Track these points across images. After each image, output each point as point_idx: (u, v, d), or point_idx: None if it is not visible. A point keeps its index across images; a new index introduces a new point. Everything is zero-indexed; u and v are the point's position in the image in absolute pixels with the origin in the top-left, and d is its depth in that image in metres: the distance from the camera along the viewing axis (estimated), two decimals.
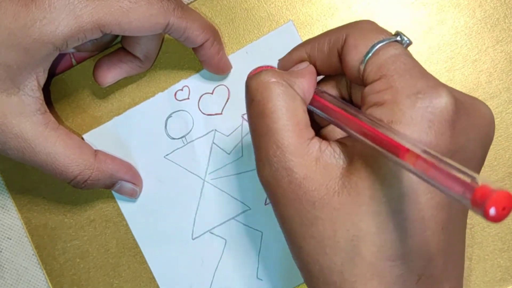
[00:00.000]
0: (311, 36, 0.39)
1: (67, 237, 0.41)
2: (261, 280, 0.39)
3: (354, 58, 0.28)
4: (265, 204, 0.40)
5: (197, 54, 0.38)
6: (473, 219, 0.39)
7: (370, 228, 0.26)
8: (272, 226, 0.39)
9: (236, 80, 0.40)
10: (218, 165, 0.40)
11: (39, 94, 0.35)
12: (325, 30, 0.39)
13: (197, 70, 0.40)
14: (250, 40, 0.40)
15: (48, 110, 0.36)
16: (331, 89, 0.31)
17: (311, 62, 0.30)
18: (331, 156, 0.27)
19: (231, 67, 0.40)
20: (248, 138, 0.40)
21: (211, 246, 0.40)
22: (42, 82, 0.35)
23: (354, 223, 0.26)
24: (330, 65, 0.30)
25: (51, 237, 0.41)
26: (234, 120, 0.40)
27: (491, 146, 0.31)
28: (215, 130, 0.40)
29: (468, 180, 0.19)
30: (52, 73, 0.41)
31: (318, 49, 0.30)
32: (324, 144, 0.27)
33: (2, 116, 0.34)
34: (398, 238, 0.26)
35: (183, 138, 0.40)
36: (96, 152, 0.38)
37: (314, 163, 0.27)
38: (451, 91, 0.26)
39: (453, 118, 0.25)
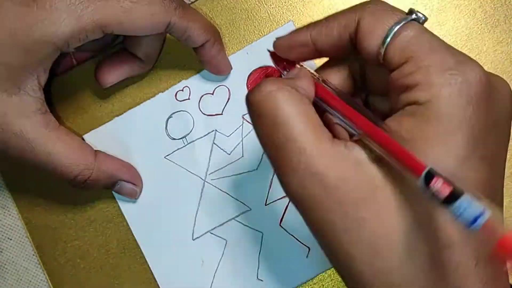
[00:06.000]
0: None
1: (67, 237, 0.41)
2: (262, 280, 0.39)
3: (372, 43, 0.26)
4: (266, 205, 0.40)
5: (198, 54, 0.38)
6: None
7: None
8: (272, 227, 0.39)
9: (237, 81, 0.40)
10: (218, 166, 0.40)
11: (40, 94, 0.35)
12: None
13: (197, 70, 0.40)
14: (250, 40, 0.40)
15: (48, 110, 0.36)
16: (333, 74, 0.30)
17: (314, 46, 0.29)
18: (361, 152, 0.25)
19: (232, 68, 0.40)
20: (249, 138, 0.40)
21: (212, 246, 0.40)
22: (43, 82, 0.36)
23: (405, 215, 0.24)
24: (339, 49, 0.28)
25: (52, 238, 0.41)
26: (235, 121, 0.40)
27: None
28: (216, 130, 0.40)
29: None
30: (53, 74, 0.41)
31: (326, 34, 0.28)
32: (349, 142, 0.25)
33: (3, 115, 0.34)
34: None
35: (184, 139, 0.40)
36: (97, 152, 0.38)
37: (346, 162, 0.25)
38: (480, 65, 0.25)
39: (487, 91, 0.24)
